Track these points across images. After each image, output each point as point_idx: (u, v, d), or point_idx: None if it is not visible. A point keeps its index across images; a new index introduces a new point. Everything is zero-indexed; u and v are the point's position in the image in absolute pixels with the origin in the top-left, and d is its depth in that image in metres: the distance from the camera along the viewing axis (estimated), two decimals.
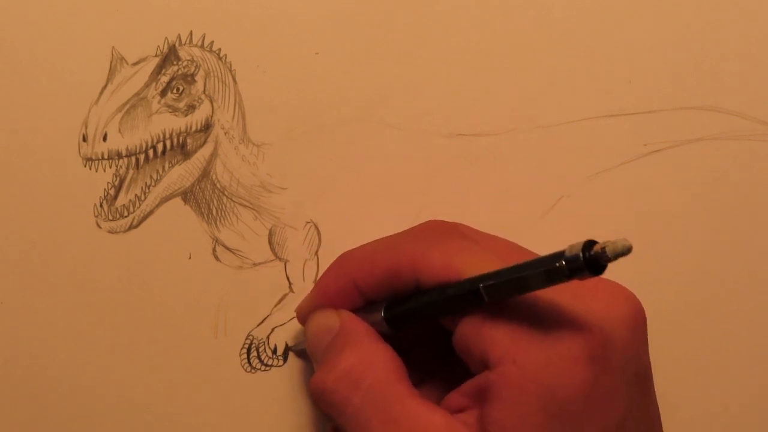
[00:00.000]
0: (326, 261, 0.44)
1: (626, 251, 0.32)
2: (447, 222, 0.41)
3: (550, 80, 0.46)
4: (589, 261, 0.32)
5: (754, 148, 0.47)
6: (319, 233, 0.44)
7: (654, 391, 0.38)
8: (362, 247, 0.41)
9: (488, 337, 0.36)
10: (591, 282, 0.33)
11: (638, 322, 0.37)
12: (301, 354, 0.44)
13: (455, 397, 0.37)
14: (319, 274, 0.44)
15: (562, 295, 0.35)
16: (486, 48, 0.45)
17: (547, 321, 0.35)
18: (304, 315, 0.42)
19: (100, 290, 0.43)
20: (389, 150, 0.45)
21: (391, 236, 0.41)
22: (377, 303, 0.39)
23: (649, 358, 0.37)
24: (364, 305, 0.40)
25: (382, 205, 0.44)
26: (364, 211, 0.44)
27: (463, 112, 0.45)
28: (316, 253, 0.44)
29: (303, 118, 0.44)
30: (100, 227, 0.43)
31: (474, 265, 0.36)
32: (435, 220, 0.41)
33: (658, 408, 0.38)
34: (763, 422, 0.47)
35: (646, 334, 0.37)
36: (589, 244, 0.32)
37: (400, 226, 0.42)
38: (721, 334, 0.46)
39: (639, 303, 0.37)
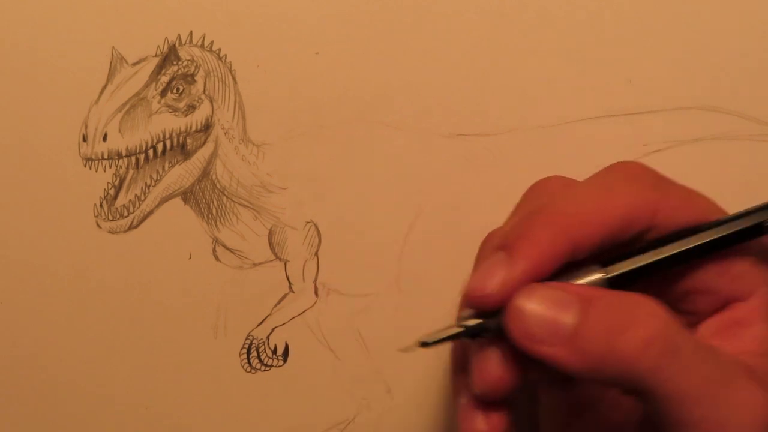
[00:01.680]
0: (326, 261, 0.44)
1: None
2: (638, 164, 0.37)
3: (550, 80, 0.46)
4: None
5: (754, 148, 0.47)
6: (319, 233, 0.44)
7: None
8: (572, 199, 0.34)
9: (734, 271, 0.35)
10: None
11: None
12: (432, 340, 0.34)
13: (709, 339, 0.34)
14: (320, 274, 0.44)
15: None
16: (486, 48, 0.45)
17: None
18: (503, 295, 0.32)
19: (100, 290, 0.43)
20: (389, 150, 0.45)
21: (598, 186, 0.35)
22: (579, 264, 0.33)
23: None
24: (562, 267, 0.33)
25: (382, 205, 0.44)
26: (364, 211, 0.44)
27: (463, 112, 0.45)
28: (316, 253, 0.44)
29: (303, 118, 0.44)
30: (100, 227, 0.43)
31: (711, 204, 0.36)
32: (624, 164, 0.36)
33: None
34: None
35: None
36: None
37: (400, 226, 0.42)
38: None
39: None
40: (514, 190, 0.45)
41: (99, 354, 0.43)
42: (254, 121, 0.44)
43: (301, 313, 0.44)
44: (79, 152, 0.42)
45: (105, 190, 0.43)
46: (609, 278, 0.33)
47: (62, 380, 0.42)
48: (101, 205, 0.43)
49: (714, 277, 0.35)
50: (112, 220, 0.43)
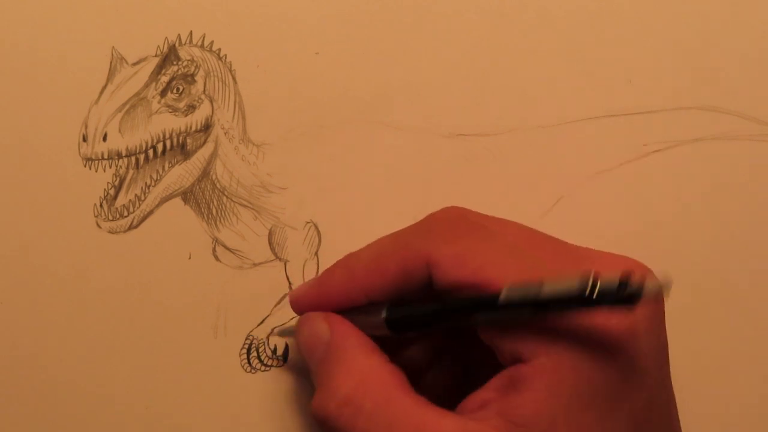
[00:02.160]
0: (326, 261, 0.43)
1: (665, 293, 0.31)
2: (455, 211, 0.40)
3: (550, 80, 0.46)
4: (622, 300, 0.31)
5: (754, 148, 0.47)
6: (319, 233, 0.44)
7: (670, 371, 0.38)
8: (367, 248, 0.40)
9: (517, 333, 0.35)
10: (607, 259, 0.33)
11: (658, 302, 0.36)
12: (286, 333, 0.44)
13: (480, 393, 0.36)
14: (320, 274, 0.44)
15: None
16: (486, 48, 0.45)
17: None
18: (300, 309, 0.41)
19: (100, 290, 0.43)
20: (389, 150, 0.45)
21: (397, 233, 0.40)
22: (379, 303, 0.39)
23: (666, 338, 0.37)
24: (364, 306, 0.40)
25: (382, 205, 0.44)
26: (364, 211, 0.44)
27: (463, 112, 0.45)
28: (316, 253, 0.44)
29: (303, 118, 0.44)
30: (100, 227, 0.43)
31: (490, 266, 0.36)
32: (442, 211, 0.40)
33: (672, 386, 0.38)
34: (763, 422, 0.47)
35: (664, 314, 0.37)
36: (623, 283, 0.31)
37: (400, 226, 0.42)
38: (721, 335, 0.46)
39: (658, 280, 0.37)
40: (514, 190, 0.45)
41: (99, 354, 0.43)
42: (254, 121, 0.44)
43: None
44: (79, 152, 0.42)
45: (105, 190, 0.43)
46: (385, 319, 0.38)
47: (62, 380, 0.42)
48: (101, 205, 0.43)
49: (498, 334, 0.36)
50: (112, 220, 0.43)
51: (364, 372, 0.37)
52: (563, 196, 0.45)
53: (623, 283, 0.31)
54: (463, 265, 0.36)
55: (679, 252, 0.46)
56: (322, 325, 0.39)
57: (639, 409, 0.35)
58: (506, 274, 0.35)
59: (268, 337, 0.44)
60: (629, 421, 0.35)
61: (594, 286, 0.32)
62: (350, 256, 0.40)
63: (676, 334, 0.46)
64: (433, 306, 0.37)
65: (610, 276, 0.32)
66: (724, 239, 0.46)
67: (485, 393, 0.36)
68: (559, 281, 0.33)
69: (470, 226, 0.38)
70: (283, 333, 0.44)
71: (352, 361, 0.38)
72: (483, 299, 0.35)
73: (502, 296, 0.34)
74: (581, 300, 0.32)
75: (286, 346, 0.44)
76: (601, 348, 0.34)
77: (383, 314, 0.38)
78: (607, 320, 0.34)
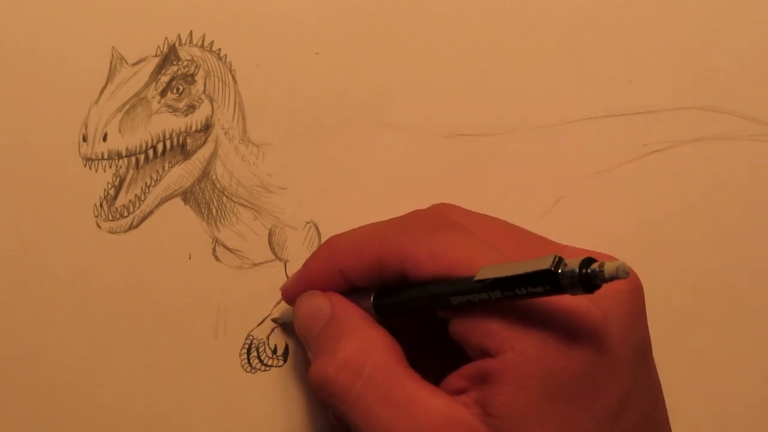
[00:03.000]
0: None
1: (623, 275, 0.32)
2: (435, 210, 0.41)
3: (550, 80, 0.46)
4: (584, 279, 0.32)
5: (754, 148, 0.47)
6: (319, 233, 0.44)
7: (654, 364, 0.38)
8: (350, 233, 0.41)
9: (484, 327, 0.36)
10: (584, 254, 0.33)
11: (636, 294, 0.37)
12: (287, 328, 0.44)
13: (454, 379, 0.37)
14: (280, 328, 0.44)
15: None
16: (486, 48, 0.45)
17: (545, 304, 0.35)
18: (291, 296, 0.42)
19: (100, 290, 0.43)
20: (389, 150, 0.45)
21: (378, 224, 0.41)
22: (367, 289, 0.40)
23: (648, 331, 0.37)
24: (353, 290, 0.40)
25: (382, 205, 0.44)
26: (364, 211, 0.44)
27: (463, 112, 0.45)
28: None
29: (303, 118, 0.44)
30: (100, 227, 0.43)
31: (463, 262, 0.36)
32: (427, 209, 0.41)
33: (659, 381, 0.38)
34: (763, 422, 0.47)
35: (644, 307, 0.37)
36: (587, 261, 0.32)
37: None
38: (721, 334, 0.46)
39: (637, 278, 0.37)
40: (514, 190, 0.45)
41: (99, 354, 0.43)
42: (254, 121, 0.44)
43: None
44: (79, 152, 0.42)
45: (105, 190, 0.43)
46: (372, 303, 0.39)
47: (62, 380, 0.42)
48: (101, 205, 0.43)
49: (466, 328, 0.36)
50: (112, 220, 0.43)
51: (365, 338, 0.38)
52: (563, 196, 0.45)
53: (585, 263, 0.32)
54: (437, 262, 0.37)
55: (679, 252, 0.46)
56: (322, 299, 0.40)
57: (613, 403, 0.35)
58: (474, 271, 0.35)
59: (268, 337, 0.44)
60: (603, 414, 0.35)
61: (558, 265, 0.32)
62: (332, 240, 0.41)
63: (676, 334, 0.46)
64: (412, 292, 0.38)
65: (573, 261, 0.32)
66: (724, 239, 0.46)
67: (461, 380, 0.36)
68: (528, 262, 0.34)
69: (448, 224, 0.39)
70: (279, 321, 0.44)
71: (354, 329, 0.38)
72: (458, 280, 0.36)
73: (477, 275, 0.35)
74: (547, 277, 0.33)
75: (286, 346, 0.44)
76: (569, 342, 0.35)
77: (371, 300, 0.39)
78: (575, 314, 0.35)
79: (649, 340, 0.38)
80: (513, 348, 0.35)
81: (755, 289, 0.47)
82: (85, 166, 0.42)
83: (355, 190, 0.44)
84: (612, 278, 0.32)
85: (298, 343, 0.44)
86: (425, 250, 0.37)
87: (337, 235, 0.41)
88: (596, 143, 0.46)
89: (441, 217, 0.40)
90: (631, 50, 0.46)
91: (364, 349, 0.38)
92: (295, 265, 0.44)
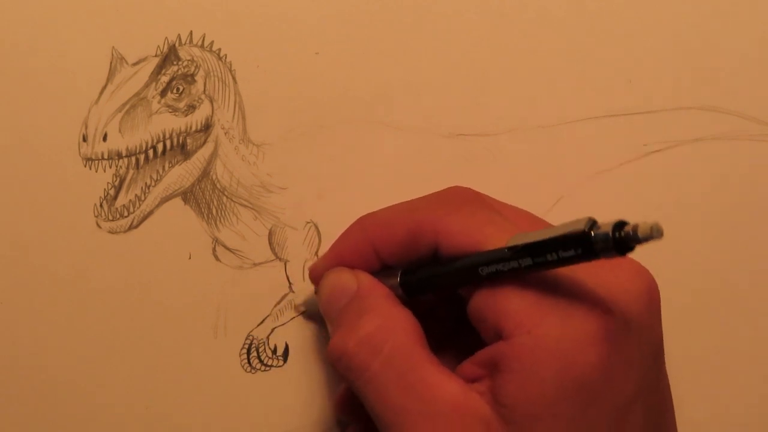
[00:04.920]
0: None
1: (657, 235, 0.31)
2: (471, 190, 0.41)
3: (550, 80, 0.46)
4: (618, 241, 0.32)
5: (754, 148, 0.47)
6: (319, 233, 0.44)
7: (665, 367, 0.38)
8: (383, 210, 0.41)
9: (503, 307, 0.35)
10: None
11: (652, 297, 0.37)
12: (311, 317, 0.44)
13: (468, 366, 0.37)
14: (304, 316, 0.44)
15: (578, 267, 0.35)
16: (486, 48, 0.45)
17: (564, 294, 0.35)
18: (318, 275, 0.42)
19: (100, 290, 0.43)
20: (389, 150, 0.45)
21: (413, 200, 0.41)
22: (393, 268, 0.40)
23: (662, 334, 0.37)
24: (380, 269, 0.40)
25: (382, 205, 0.44)
26: (364, 212, 0.44)
27: (463, 112, 0.45)
28: (316, 253, 0.44)
29: (303, 118, 0.44)
30: (100, 227, 0.43)
31: (495, 237, 0.36)
32: (459, 187, 0.41)
33: (669, 383, 0.38)
34: (763, 422, 0.47)
35: (660, 310, 0.37)
36: (620, 224, 0.32)
37: None
38: (721, 334, 0.46)
39: (653, 279, 0.37)
40: (514, 191, 0.45)
41: (99, 354, 0.43)
42: (254, 121, 0.44)
43: (302, 313, 0.44)
44: (79, 152, 0.42)
45: (105, 190, 0.43)
46: (399, 281, 0.39)
47: (62, 380, 0.42)
48: (101, 205, 0.43)
49: (485, 306, 0.36)
50: (112, 220, 0.43)
51: (388, 317, 0.38)
52: (563, 196, 0.45)
53: (618, 225, 0.32)
54: (470, 236, 0.37)
55: (679, 252, 0.46)
56: (348, 275, 0.40)
57: (624, 402, 0.35)
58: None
59: (268, 337, 0.44)
60: (614, 413, 0.35)
61: (591, 227, 0.32)
62: (365, 218, 0.41)
63: (677, 334, 0.46)
64: (443, 267, 0.38)
65: (605, 224, 0.32)
66: (724, 239, 0.46)
67: (475, 367, 0.36)
68: (561, 226, 0.33)
69: (482, 203, 0.39)
70: (301, 307, 0.44)
71: (379, 306, 0.38)
72: (489, 251, 0.36)
73: (509, 242, 0.34)
74: (580, 240, 0.32)
75: (286, 346, 0.44)
76: (588, 334, 0.34)
77: (398, 276, 0.39)
78: (595, 307, 0.35)
79: (662, 343, 0.38)
80: (530, 332, 0.35)
81: (755, 289, 0.47)
82: (85, 166, 0.42)
83: (355, 190, 0.44)
84: (646, 239, 0.31)
85: (298, 343, 0.44)
86: (460, 224, 0.37)
87: (369, 213, 0.41)
88: (596, 143, 0.46)
89: (475, 196, 0.40)
90: (631, 50, 0.46)
91: (387, 328, 0.37)
92: (295, 265, 0.44)
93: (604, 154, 0.46)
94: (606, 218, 0.33)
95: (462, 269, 0.37)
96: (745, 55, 0.47)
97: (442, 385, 0.36)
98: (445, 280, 0.38)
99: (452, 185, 0.41)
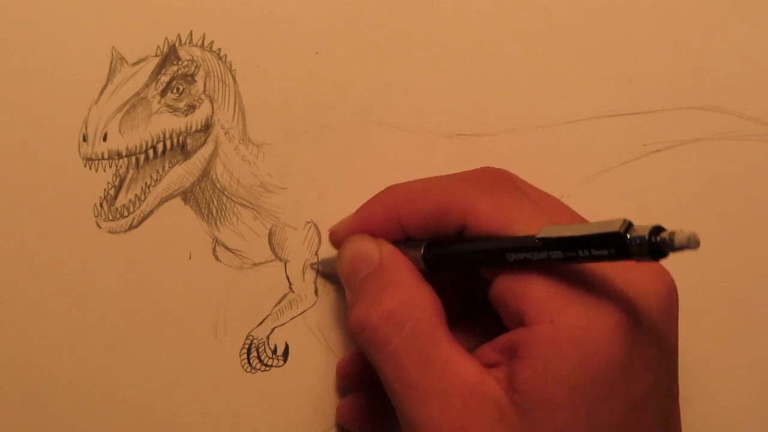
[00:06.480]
0: None
1: (694, 245, 0.31)
2: (503, 171, 0.41)
3: (550, 80, 0.46)
4: (653, 246, 0.31)
5: (754, 148, 0.47)
6: (319, 233, 0.44)
7: (677, 368, 0.38)
8: (412, 182, 0.41)
9: (527, 293, 0.35)
10: None
11: (672, 298, 0.37)
12: (327, 276, 0.44)
13: (487, 351, 0.37)
14: (320, 274, 0.44)
15: (604, 263, 0.34)
16: (486, 48, 0.45)
17: (588, 286, 0.35)
18: (340, 238, 0.41)
19: (100, 290, 0.43)
20: (389, 150, 0.45)
21: (442, 176, 0.41)
22: (417, 240, 0.39)
23: (677, 335, 0.37)
24: (403, 241, 0.40)
25: None
26: None
27: (463, 112, 0.45)
28: (316, 253, 0.44)
29: (303, 118, 0.44)
30: (100, 227, 0.43)
31: (523, 222, 0.36)
32: (491, 167, 0.41)
33: (678, 391, 0.38)
34: (763, 422, 0.47)
35: (678, 315, 0.37)
36: (656, 229, 0.31)
37: None
38: (721, 334, 0.46)
39: (673, 280, 0.37)
40: None
41: (99, 354, 0.43)
42: (254, 121, 0.44)
43: (301, 313, 0.44)
44: (79, 152, 0.42)
45: (105, 190, 0.43)
46: (422, 255, 0.39)
47: (62, 380, 0.42)
48: (101, 205, 0.43)
49: (508, 290, 0.36)
50: (112, 220, 0.43)
51: (412, 293, 0.38)
52: (563, 195, 0.45)
53: (655, 230, 0.31)
54: (497, 218, 0.37)
55: (678, 252, 0.46)
56: (372, 245, 0.40)
57: (638, 402, 0.35)
58: (534, 233, 0.35)
59: (268, 337, 0.44)
60: (628, 409, 0.35)
61: (627, 229, 0.32)
62: (393, 187, 0.41)
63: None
64: (470, 245, 0.37)
65: (642, 227, 0.32)
66: (724, 239, 0.46)
67: (494, 353, 0.36)
68: (595, 224, 0.33)
69: (513, 186, 0.39)
70: (318, 265, 0.44)
71: (402, 281, 0.38)
72: (519, 237, 0.35)
73: (540, 233, 0.34)
74: (614, 240, 0.32)
75: (286, 346, 0.44)
76: (611, 328, 0.34)
77: (422, 250, 0.39)
78: (620, 303, 0.34)
79: (677, 345, 0.38)
80: (552, 321, 0.34)
81: (755, 289, 0.47)
82: (85, 166, 0.42)
83: (355, 190, 0.44)
84: (681, 247, 0.31)
85: (298, 343, 0.44)
86: (489, 204, 0.37)
87: (398, 184, 0.41)
88: (596, 143, 0.46)
89: (507, 178, 0.40)
90: (631, 50, 0.46)
91: (410, 303, 0.37)
92: (295, 265, 0.44)
93: (605, 154, 0.46)
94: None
95: (490, 252, 0.37)
96: (745, 55, 0.47)
97: (460, 367, 0.36)
98: (470, 259, 0.38)
99: (487, 167, 0.41)
